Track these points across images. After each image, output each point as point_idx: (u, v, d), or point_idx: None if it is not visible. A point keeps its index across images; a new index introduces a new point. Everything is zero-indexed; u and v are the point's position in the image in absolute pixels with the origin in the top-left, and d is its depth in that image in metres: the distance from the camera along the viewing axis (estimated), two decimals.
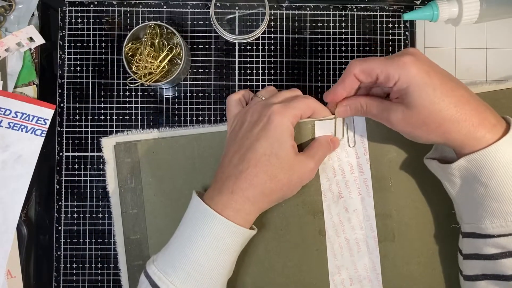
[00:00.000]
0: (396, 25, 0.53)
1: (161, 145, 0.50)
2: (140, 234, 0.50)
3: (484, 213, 0.39)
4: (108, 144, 0.51)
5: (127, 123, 0.52)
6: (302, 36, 0.53)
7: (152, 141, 0.50)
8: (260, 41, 0.53)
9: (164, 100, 0.53)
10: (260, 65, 0.53)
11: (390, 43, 0.53)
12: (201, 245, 0.40)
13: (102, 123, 0.52)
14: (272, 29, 0.53)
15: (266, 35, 0.53)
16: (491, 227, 0.39)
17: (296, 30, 0.53)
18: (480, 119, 0.38)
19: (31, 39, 0.51)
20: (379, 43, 0.53)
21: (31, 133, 0.51)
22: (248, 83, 0.53)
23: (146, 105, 0.52)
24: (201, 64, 0.53)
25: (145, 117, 0.52)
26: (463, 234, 0.43)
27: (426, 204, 0.49)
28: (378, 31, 0.53)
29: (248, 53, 0.53)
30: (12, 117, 0.51)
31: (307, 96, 0.44)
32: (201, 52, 0.53)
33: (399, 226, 0.49)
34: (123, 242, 0.50)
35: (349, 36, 0.53)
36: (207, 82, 0.53)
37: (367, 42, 0.53)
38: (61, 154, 0.52)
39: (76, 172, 0.52)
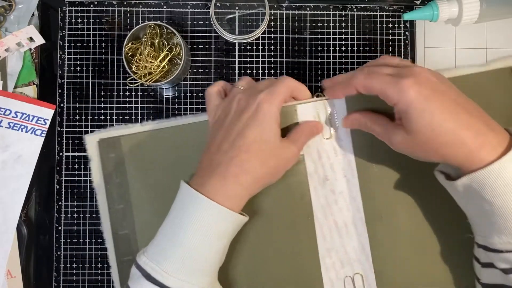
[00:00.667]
0: (396, 25, 0.53)
1: (145, 139, 0.50)
2: (128, 229, 0.50)
3: (492, 229, 0.39)
4: (91, 141, 0.51)
5: (127, 123, 0.52)
6: (302, 36, 0.53)
7: (135, 135, 0.50)
8: (260, 41, 0.53)
9: (164, 100, 0.53)
10: (260, 65, 0.53)
11: (390, 43, 0.53)
12: (193, 232, 0.39)
13: (102, 123, 0.52)
14: (272, 29, 0.53)
15: (266, 35, 0.53)
16: (499, 243, 0.39)
17: (296, 30, 0.53)
18: (480, 142, 0.37)
19: (31, 39, 0.51)
20: (379, 43, 0.53)
21: (31, 133, 0.51)
22: None
23: (146, 105, 0.52)
24: (201, 64, 0.53)
25: (145, 117, 0.52)
26: (477, 244, 0.43)
27: (410, 183, 0.49)
28: (378, 31, 0.53)
29: (248, 53, 0.53)
30: (12, 117, 0.51)
31: (285, 77, 0.45)
32: (201, 52, 0.53)
33: (385, 207, 0.49)
34: (112, 238, 0.50)
35: (349, 36, 0.53)
36: (207, 82, 0.53)
37: (367, 42, 0.53)
38: (61, 154, 0.52)
39: (76, 172, 0.52)
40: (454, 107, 0.38)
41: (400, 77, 0.38)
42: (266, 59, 0.53)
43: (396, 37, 0.53)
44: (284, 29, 0.53)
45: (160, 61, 0.48)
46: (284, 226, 0.49)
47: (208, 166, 0.42)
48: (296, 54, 0.53)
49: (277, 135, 0.42)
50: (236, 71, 0.53)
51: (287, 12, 0.53)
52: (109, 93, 0.52)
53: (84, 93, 0.52)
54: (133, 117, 0.52)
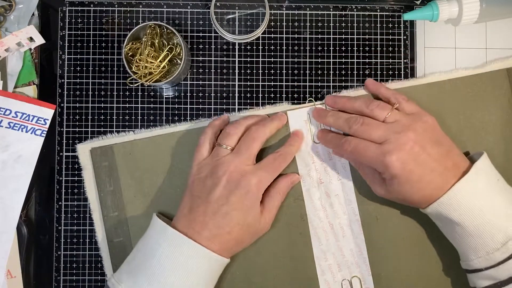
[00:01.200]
0: (396, 25, 0.53)
1: (137, 146, 0.51)
2: (123, 236, 0.50)
3: (468, 250, 0.42)
4: (83, 150, 0.51)
5: (127, 123, 0.52)
6: (302, 36, 0.53)
7: (128, 143, 0.51)
8: (260, 41, 0.53)
9: (164, 100, 0.53)
10: (260, 65, 0.53)
11: (390, 43, 0.53)
12: (180, 276, 0.41)
13: (102, 123, 0.52)
14: (272, 29, 0.53)
15: (266, 35, 0.53)
16: (477, 262, 0.42)
17: (296, 30, 0.53)
18: (446, 191, 0.42)
19: (31, 39, 0.51)
20: (379, 43, 0.53)
21: (31, 133, 0.51)
22: (248, 83, 0.53)
23: (146, 105, 0.52)
24: (201, 64, 0.53)
25: (145, 117, 0.52)
26: (465, 271, 0.45)
27: None
28: (378, 31, 0.53)
29: (248, 53, 0.53)
30: (12, 117, 0.51)
31: (275, 160, 0.47)
32: (201, 52, 0.53)
33: (380, 208, 0.50)
34: (107, 246, 0.50)
35: (349, 36, 0.53)
36: (207, 82, 0.53)
37: (367, 42, 0.53)
38: (61, 154, 0.52)
39: (76, 172, 0.52)
40: (432, 175, 0.42)
41: (385, 151, 0.42)
42: (266, 59, 0.53)
43: (396, 37, 0.53)
44: (284, 29, 0.53)
45: (160, 61, 0.48)
46: (277, 226, 0.49)
47: (194, 226, 0.43)
48: (296, 54, 0.53)
49: (258, 216, 0.45)
50: (236, 71, 0.53)
51: (287, 12, 0.53)
52: (109, 93, 0.52)
53: (84, 93, 0.52)
54: (133, 117, 0.52)
